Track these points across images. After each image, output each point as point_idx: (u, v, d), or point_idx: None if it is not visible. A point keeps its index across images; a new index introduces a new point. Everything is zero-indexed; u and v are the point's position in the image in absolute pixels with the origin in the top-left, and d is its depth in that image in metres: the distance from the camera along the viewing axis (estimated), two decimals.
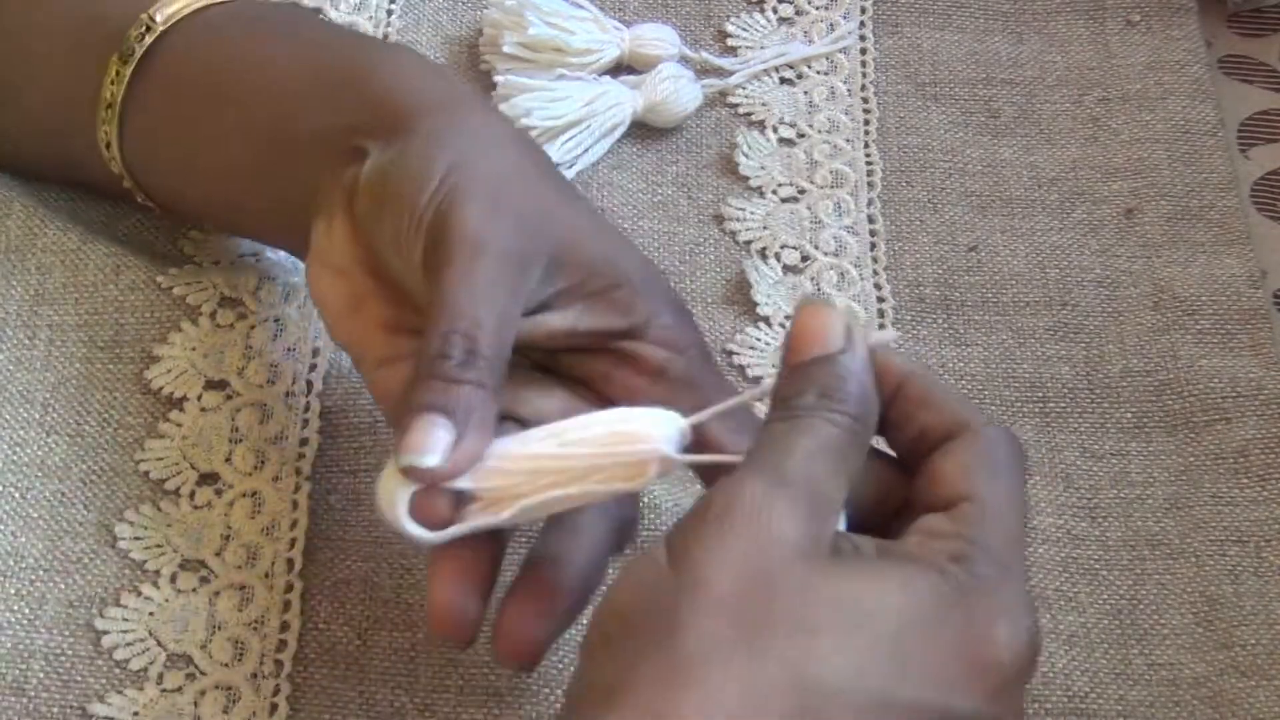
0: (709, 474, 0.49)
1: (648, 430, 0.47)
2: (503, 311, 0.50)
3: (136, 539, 0.57)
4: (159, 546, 0.57)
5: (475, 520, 0.48)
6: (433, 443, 0.47)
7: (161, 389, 0.60)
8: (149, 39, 0.58)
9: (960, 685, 0.40)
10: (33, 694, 0.53)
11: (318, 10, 0.72)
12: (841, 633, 0.39)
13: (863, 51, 0.73)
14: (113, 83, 0.58)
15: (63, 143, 0.61)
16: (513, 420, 0.51)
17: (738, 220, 0.67)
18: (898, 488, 0.46)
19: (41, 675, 0.54)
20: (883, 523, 0.46)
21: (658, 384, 0.52)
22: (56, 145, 0.62)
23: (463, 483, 0.48)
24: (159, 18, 0.58)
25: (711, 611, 0.39)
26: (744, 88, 0.72)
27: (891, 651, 0.39)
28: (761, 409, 0.49)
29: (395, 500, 0.47)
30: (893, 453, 0.47)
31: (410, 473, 0.47)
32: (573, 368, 0.53)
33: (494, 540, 0.49)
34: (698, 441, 0.48)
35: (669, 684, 0.39)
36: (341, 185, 0.54)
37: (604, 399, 0.52)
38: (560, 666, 0.54)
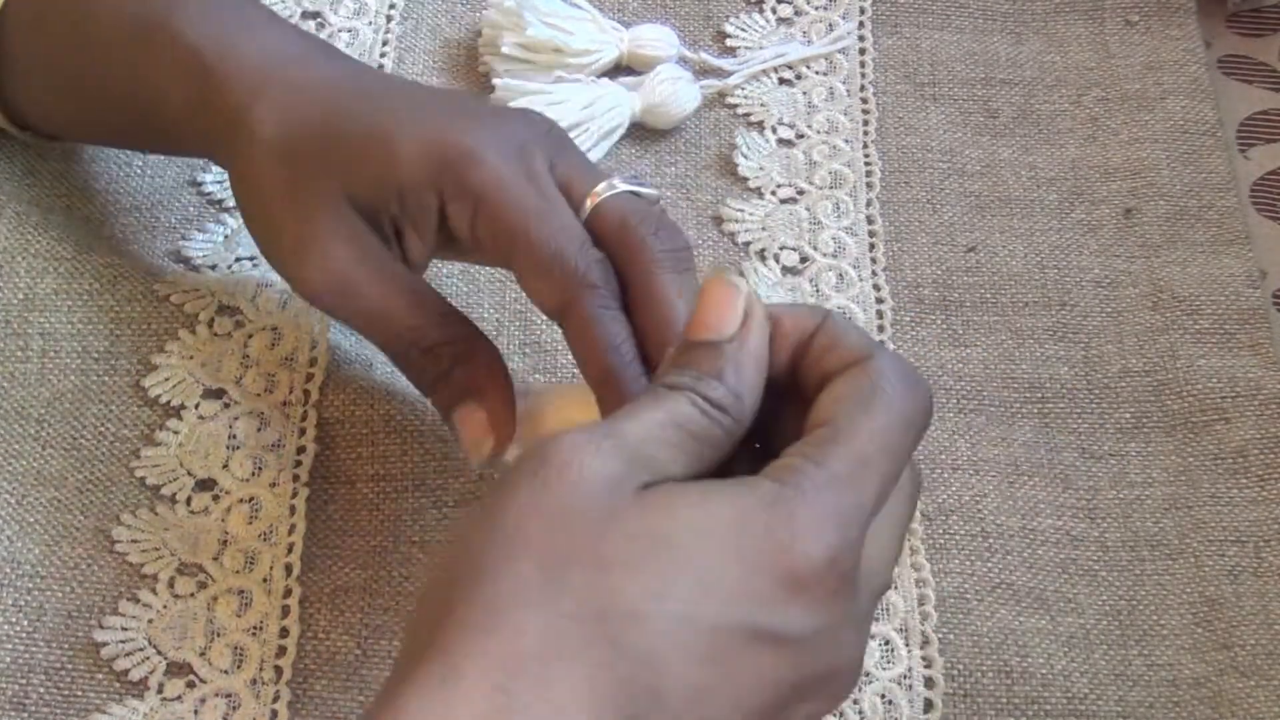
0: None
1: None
2: (396, 292, 0.52)
3: (134, 542, 0.57)
4: (156, 550, 0.57)
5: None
6: (475, 431, 0.52)
7: (159, 397, 0.60)
8: None
9: (764, 598, 0.39)
10: (33, 708, 0.53)
11: (316, 14, 0.72)
12: (639, 561, 0.38)
13: (861, 52, 0.73)
14: None
15: None
16: None
17: (736, 221, 0.67)
18: None
19: (42, 690, 0.54)
20: None
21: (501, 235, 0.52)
22: None
23: None
24: None
25: (516, 555, 0.39)
26: (743, 88, 0.72)
27: (690, 572, 0.39)
28: None
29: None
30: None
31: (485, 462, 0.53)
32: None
33: None
34: None
35: (475, 629, 0.38)
36: None
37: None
38: None
